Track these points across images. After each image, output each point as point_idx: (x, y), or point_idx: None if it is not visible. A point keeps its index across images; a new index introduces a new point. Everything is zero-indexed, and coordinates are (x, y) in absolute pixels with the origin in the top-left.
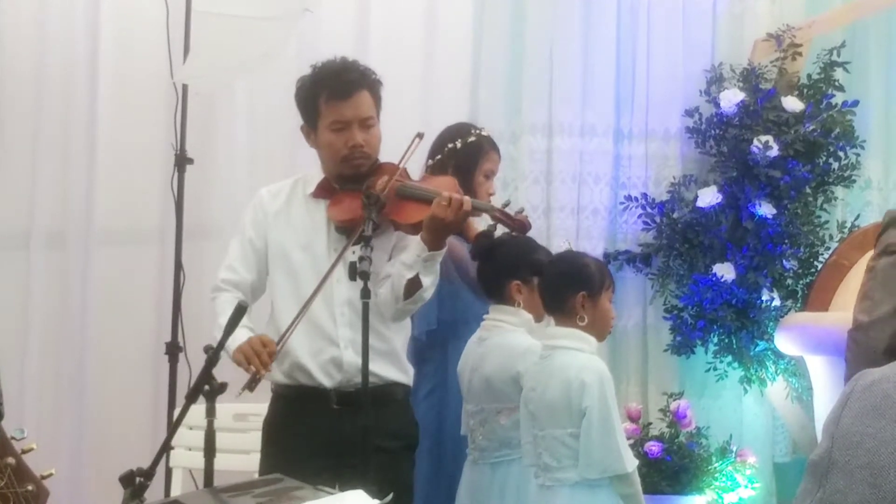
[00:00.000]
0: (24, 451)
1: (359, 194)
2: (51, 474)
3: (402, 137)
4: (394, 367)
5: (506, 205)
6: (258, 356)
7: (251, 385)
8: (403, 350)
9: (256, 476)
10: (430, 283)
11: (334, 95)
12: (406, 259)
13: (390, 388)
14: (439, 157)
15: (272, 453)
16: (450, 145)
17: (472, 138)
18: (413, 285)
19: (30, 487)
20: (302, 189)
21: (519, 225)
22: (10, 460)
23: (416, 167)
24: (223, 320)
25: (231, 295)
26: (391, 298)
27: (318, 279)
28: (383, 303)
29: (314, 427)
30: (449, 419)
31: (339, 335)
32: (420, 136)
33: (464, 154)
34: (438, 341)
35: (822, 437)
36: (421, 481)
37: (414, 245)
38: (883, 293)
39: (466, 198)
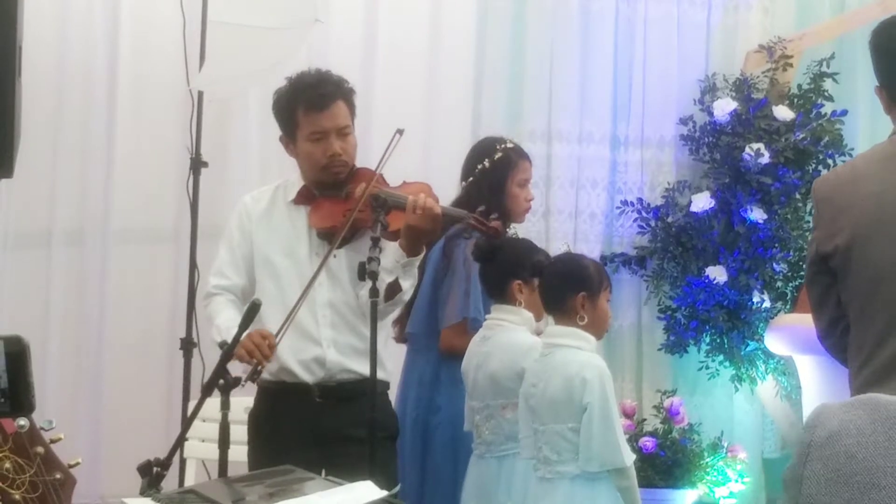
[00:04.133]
0: (52, 441)
1: (338, 200)
2: (77, 463)
3: (405, 144)
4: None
5: (480, 211)
6: (259, 349)
7: (253, 377)
8: (384, 348)
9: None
10: (409, 286)
11: (312, 107)
12: (386, 264)
13: (368, 382)
14: (471, 178)
15: (258, 445)
16: (479, 166)
17: (499, 154)
18: (393, 288)
19: (58, 476)
20: (283, 195)
21: (493, 231)
22: (40, 449)
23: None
24: (221, 321)
25: (224, 298)
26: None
27: (302, 283)
28: (365, 304)
29: (298, 420)
30: None
31: (321, 335)
32: (400, 132)
33: (493, 172)
34: None
35: (784, 495)
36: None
37: (393, 250)
38: (812, 303)
39: (437, 205)
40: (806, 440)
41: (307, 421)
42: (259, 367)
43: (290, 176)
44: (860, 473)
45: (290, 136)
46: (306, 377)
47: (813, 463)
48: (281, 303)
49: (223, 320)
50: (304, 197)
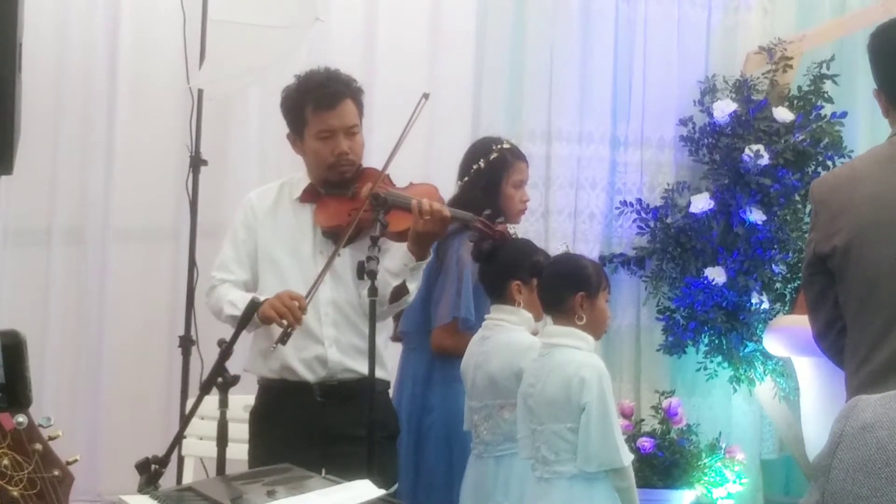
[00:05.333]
0: (50, 438)
1: (344, 199)
2: (76, 460)
3: (405, 144)
4: (377, 366)
5: (487, 214)
6: (291, 311)
7: (283, 339)
8: (384, 348)
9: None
10: (415, 288)
11: (321, 105)
12: (392, 267)
13: (368, 382)
14: (467, 178)
15: (259, 444)
16: (474, 166)
17: (495, 154)
18: (399, 291)
19: (56, 473)
20: (288, 193)
21: (498, 235)
22: (38, 446)
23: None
24: (234, 297)
25: (230, 285)
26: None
27: (305, 281)
28: (366, 303)
29: (299, 419)
30: None
31: (323, 334)
32: (426, 96)
33: (488, 172)
34: None
35: (812, 484)
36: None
37: (399, 254)
38: (808, 304)
39: (445, 208)
40: (838, 430)
41: (308, 420)
42: (290, 330)
43: (291, 174)
44: (890, 465)
45: (297, 134)
46: (308, 376)
47: (843, 452)
48: None
49: (237, 296)
50: (310, 195)
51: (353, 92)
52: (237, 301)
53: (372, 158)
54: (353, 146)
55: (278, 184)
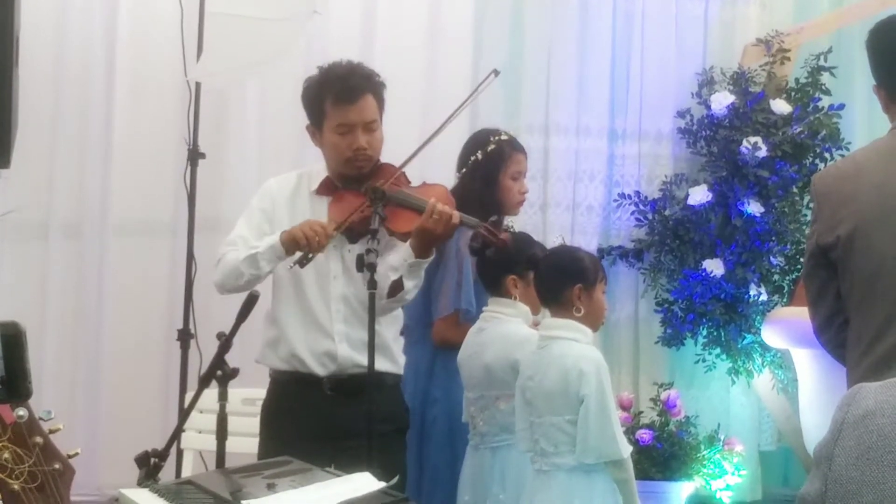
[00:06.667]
0: (51, 432)
1: (358, 193)
2: (76, 454)
3: (405, 139)
4: (384, 359)
5: (492, 221)
6: (318, 237)
7: (302, 262)
8: (395, 342)
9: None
10: (412, 286)
11: (340, 99)
12: (393, 261)
13: (380, 376)
14: (465, 170)
15: (269, 437)
16: (472, 158)
17: (492, 146)
18: (396, 286)
19: (57, 466)
20: (307, 184)
21: (500, 243)
22: (39, 440)
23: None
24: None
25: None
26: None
27: (318, 275)
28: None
29: (309, 412)
30: None
31: (334, 330)
32: (496, 72)
33: (486, 164)
34: None
35: (813, 472)
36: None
37: (402, 249)
38: (809, 297)
39: (455, 212)
40: (839, 418)
41: (319, 415)
42: (310, 255)
43: (289, 167)
44: (892, 452)
45: (316, 126)
46: (317, 370)
47: (845, 440)
48: (296, 293)
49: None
50: (327, 188)
51: (374, 86)
52: (253, 245)
53: None
54: (372, 141)
55: (297, 173)
